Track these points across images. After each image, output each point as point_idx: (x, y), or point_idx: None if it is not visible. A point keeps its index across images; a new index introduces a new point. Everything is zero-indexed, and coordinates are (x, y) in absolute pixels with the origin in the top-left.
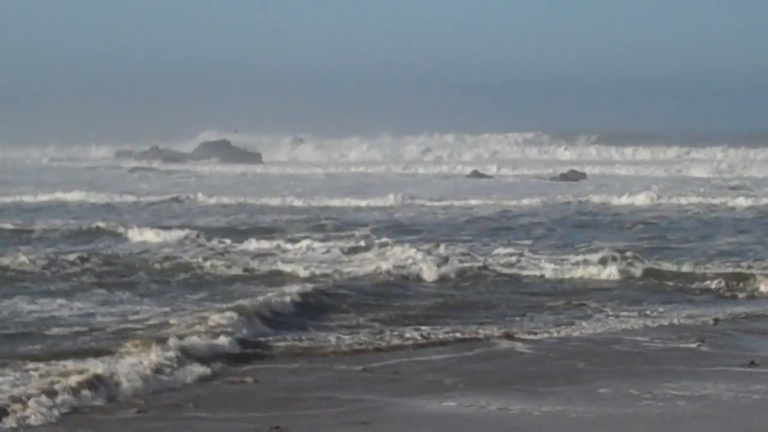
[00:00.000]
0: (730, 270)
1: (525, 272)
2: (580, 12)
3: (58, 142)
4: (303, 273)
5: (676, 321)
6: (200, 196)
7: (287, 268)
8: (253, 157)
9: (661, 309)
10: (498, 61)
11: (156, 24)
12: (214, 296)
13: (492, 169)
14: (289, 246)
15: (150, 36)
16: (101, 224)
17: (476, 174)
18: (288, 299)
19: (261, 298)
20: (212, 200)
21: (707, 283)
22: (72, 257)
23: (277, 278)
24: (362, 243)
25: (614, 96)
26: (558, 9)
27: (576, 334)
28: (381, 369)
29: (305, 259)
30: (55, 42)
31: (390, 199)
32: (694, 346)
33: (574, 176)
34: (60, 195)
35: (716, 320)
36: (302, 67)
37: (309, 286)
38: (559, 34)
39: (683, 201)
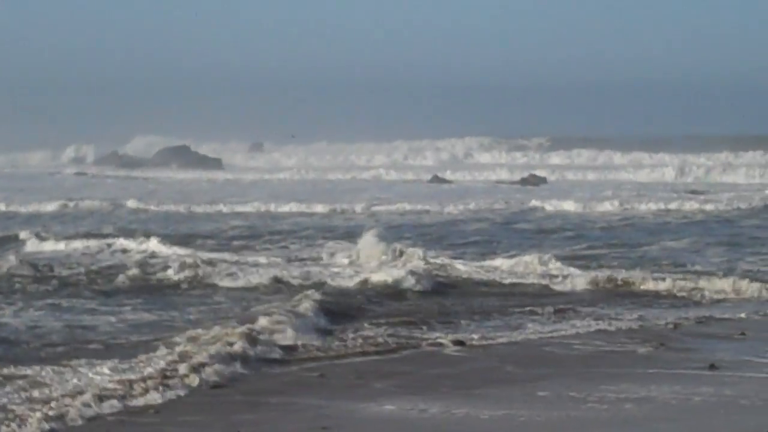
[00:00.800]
0: (680, 275)
1: (474, 277)
2: (546, 16)
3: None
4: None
5: (632, 325)
6: (131, 203)
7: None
8: (213, 163)
9: (611, 313)
10: (463, 65)
11: (138, 28)
12: None
13: (454, 175)
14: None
15: (135, 41)
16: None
17: (436, 179)
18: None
19: None
20: (151, 206)
21: (659, 287)
22: None
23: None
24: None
25: (583, 100)
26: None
27: (519, 338)
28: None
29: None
30: (17, 43)
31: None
32: (645, 350)
33: (534, 181)
34: None
35: (675, 324)
36: (265, 71)
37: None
38: (528, 38)
39: (642, 207)
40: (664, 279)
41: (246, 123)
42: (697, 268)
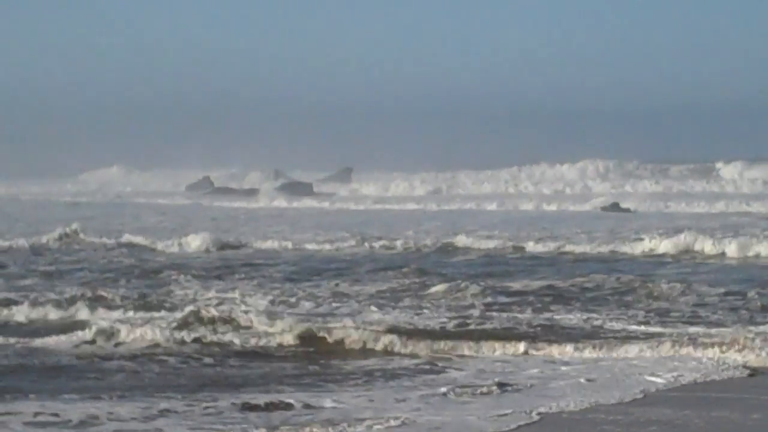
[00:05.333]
0: None
1: None
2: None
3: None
4: None
5: None
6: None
7: None
8: (304, 189)
9: None
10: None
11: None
12: None
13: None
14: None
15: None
16: None
17: (615, 207)
18: None
19: None
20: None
21: None
22: None
23: None
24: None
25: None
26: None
27: None
28: None
29: None
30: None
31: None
32: None
33: (616, 209)
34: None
35: None
36: (355, 99)
37: None
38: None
39: None
40: None
41: (335, 148)
42: None
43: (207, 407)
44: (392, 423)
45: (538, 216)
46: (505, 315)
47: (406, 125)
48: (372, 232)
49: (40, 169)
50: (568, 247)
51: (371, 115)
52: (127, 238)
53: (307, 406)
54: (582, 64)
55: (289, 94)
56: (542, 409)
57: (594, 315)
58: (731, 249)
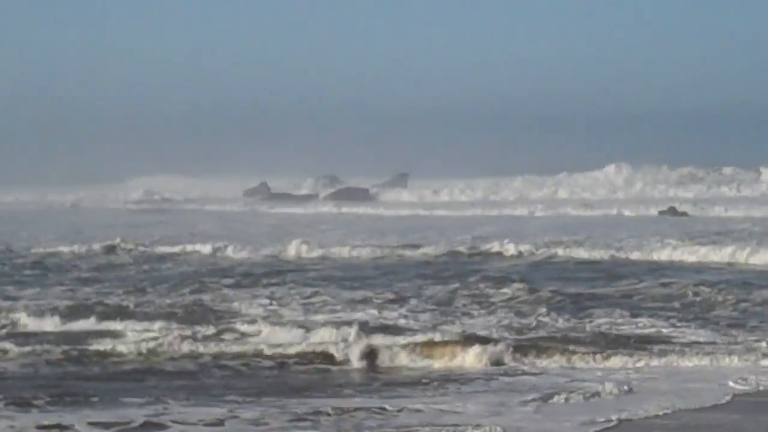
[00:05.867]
0: None
1: None
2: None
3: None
4: None
5: None
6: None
7: None
8: (361, 194)
9: None
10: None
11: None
12: None
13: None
14: None
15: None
16: None
17: (672, 211)
18: None
19: None
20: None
21: None
22: None
23: None
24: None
25: None
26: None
27: None
28: None
29: None
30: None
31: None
32: None
33: (673, 213)
34: None
35: None
36: (412, 104)
37: None
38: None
39: None
40: None
41: (391, 154)
42: None
43: (273, 412)
44: (487, 430)
45: (598, 221)
46: (577, 321)
47: (463, 130)
48: (433, 236)
49: (97, 175)
50: (654, 255)
51: (427, 120)
52: (190, 244)
53: (380, 410)
54: (629, 67)
55: (348, 101)
56: (624, 415)
57: (674, 323)
58: None
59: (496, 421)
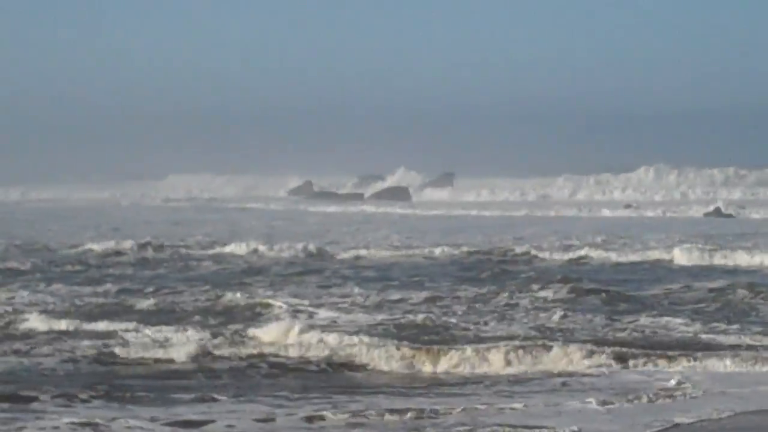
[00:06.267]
0: None
1: None
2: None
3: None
4: None
5: None
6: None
7: None
8: (401, 194)
9: None
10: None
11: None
12: None
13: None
14: None
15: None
16: None
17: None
18: None
19: None
20: None
21: None
22: None
23: None
24: None
25: None
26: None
27: None
28: None
29: None
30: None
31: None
32: None
33: (719, 215)
34: None
35: None
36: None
37: None
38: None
39: None
40: None
41: (437, 153)
42: None
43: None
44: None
45: (643, 222)
46: (629, 323)
47: (505, 129)
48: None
49: (137, 173)
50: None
51: (471, 120)
52: (227, 243)
53: (433, 413)
54: (675, 66)
55: (395, 100)
56: (679, 419)
57: (729, 326)
58: None
59: (561, 423)
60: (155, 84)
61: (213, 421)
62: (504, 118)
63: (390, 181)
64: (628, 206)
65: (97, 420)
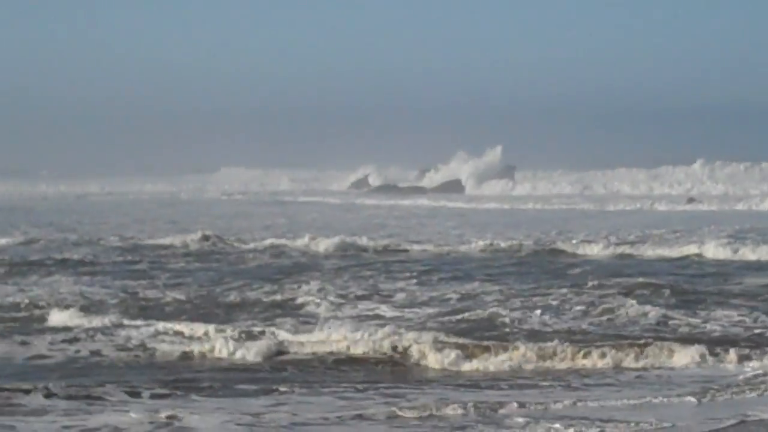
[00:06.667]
0: None
1: None
2: None
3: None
4: None
5: None
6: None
7: None
8: (454, 186)
9: None
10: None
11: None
12: None
13: None
14: None
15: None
16: None
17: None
18: None
19: None
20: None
21: None
22: None
23: None
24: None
25: None
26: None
27: None
28: None
29: None
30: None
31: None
32: None
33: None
34: None
35: None
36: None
37: None
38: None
39: None
40: None
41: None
42: None
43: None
44: (660, 426)
45: (704, 216)
46: (696, 318)
47: (564, 123)
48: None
49: (195, 166)
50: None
51: (531, 113)
52: (281, 237)
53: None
54: (730, 61)
55: (456, 93)
56: (741, 417)
57: None
58: None
59: (659, 416)
60: (208, 80)
61: (278, 413)
62: (562, 112)
63: (449, 174)
64: (691, 200)
65: (164, 412)
